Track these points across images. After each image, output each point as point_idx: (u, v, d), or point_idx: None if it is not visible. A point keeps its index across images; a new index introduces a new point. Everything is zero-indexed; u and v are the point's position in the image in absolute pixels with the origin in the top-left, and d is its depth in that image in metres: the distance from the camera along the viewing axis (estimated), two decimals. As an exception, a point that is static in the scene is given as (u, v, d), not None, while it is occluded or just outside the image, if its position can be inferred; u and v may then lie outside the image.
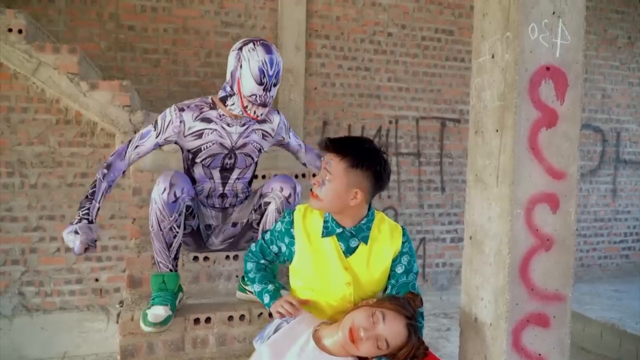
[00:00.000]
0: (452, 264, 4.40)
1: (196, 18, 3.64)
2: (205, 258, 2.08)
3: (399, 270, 1.46)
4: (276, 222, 1.60)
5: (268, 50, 1.67)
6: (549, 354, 1.43)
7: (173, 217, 1.68)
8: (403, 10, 4.14)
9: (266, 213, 1.86)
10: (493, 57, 1.45)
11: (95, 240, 1.64)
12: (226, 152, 1.85)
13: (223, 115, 1.80)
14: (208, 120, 1.79)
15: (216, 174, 1.89)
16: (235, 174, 1.93)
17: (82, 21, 3.41)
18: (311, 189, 1.42)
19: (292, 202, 1.83)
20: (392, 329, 1.25)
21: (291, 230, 1.48)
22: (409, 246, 1.50)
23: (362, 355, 1.26)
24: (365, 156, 1.36)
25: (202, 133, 1.79)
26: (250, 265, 1.62)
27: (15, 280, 3.25)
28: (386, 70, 4.14)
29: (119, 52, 3.50)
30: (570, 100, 1.40)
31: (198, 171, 1.88)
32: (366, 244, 1.44)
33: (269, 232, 1.58)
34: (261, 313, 1.88)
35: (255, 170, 2.02)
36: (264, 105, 1.72)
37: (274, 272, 1.70)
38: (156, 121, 1.79)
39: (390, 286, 1.46)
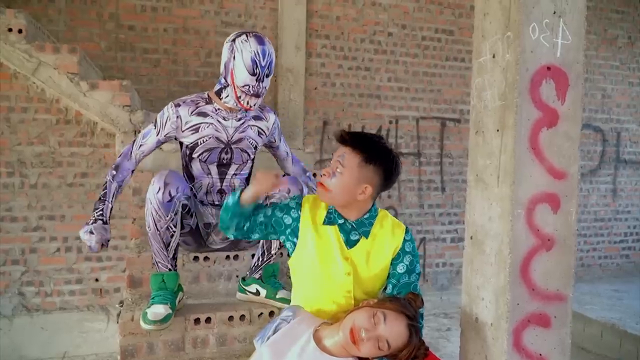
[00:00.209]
0: (452, 263, 4.40)
1: (196, 18, 3.64)
2: (206, 258, 2.08)
3: (401, 270, 1.46)
4: None
5: (260, 42, 1.73)
6: (550, 354, 1.43)
7: (169, 216, 1.69)
8: (403, 10, 4.14)
9: None
10: (494, 57, 1.45)
11: (109, 240, 1.72)
12: (222, 146, 1.87)
13: (219, 109, 1.84)
14: (204, 115, 1.82)
15: (213, 169, 1.90)
16: (232, 170, 1.94)
17: (82, 21, 3.40)
18: (319, 182, 1.42)
19: None
20: (393, 329, 1.24)
21: (299, 210, 1.48)
22: (412, 246, 1.49)
23: (363, 356, 1.25)
24: (379, 153, 1.38)
25: (199, 127, 1.82)
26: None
27: (15, 280, 3.25)
28: (386, 70, 4.14)
29: (119, 52, 3.49)
30: (571, 100, 1.40)
31: (196, 167, 1.89)
32: (367, 238, 1.44)
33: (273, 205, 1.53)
34: (261, 313, 1.88)
35: (252, 167, 2.02)
36: (257, 95, 1.77)
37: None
38: (155, 119, 1.83)
39: (391, 286, 1.46)
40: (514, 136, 1.36)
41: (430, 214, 4.34)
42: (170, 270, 1.75)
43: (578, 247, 4.66)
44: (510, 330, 1.39)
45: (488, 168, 1.48)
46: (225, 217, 1.47)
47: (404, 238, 1.47)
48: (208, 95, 1.86)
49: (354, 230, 1.45)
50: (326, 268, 1.43)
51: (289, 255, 1.52)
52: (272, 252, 1.89)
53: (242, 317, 1.85)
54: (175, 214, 1.72)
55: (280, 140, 2.07)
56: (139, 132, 2.29)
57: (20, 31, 2.62)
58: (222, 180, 1.93)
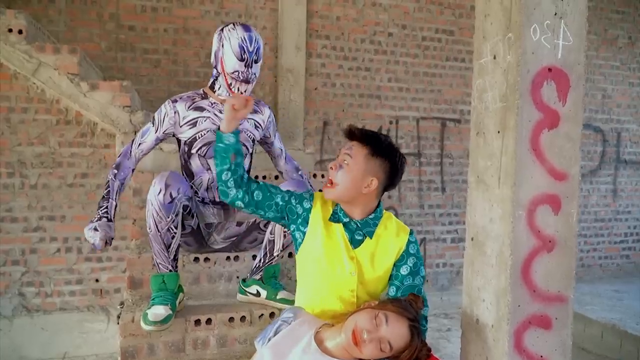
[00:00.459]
0: (452, 264, 4.40)
1: (196, 18, 3.63)
2: (206, 259, 2.07)
3: (404, 271, 1.45)
4: None
5: (247, 29, 1.80)
6: (551, 355, 1.43)
7: (170, 217, 1.69)
8: (403, 11, 4.14)
9: None
10: (495, 58, 1.45)
11: (112, 238, 1.72)
12: None
13: (214, 103, 1.89)
14: (201, 109, 1.86)
15: (213, 164, 1.90)
16: None
17: (82, 21, 3.40)
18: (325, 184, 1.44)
19: None
20: (395, 331, 1.24)
21: (311, 202, 1.50)
22: (416, 248, 1.49)
23: (365, 358, 1.25)
24: (386, 148, 1.42)
25: (196, 121, 1.85)
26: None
27: (16, 281, 3.25)
28: (386, 71, 4.14)
29: (119, 53, 3.49)
30: (572, 101, 1.40)
31: (195, 163, 1.90)
32: (371, 238, 1.44)
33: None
34: (262, 314, 1.88)
35: (250, 163, 2.03)
36: (247, 81, 1.82)
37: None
38: (153, 117, 1.86)
39: (395, 288, 1.45)
40: (515, 137, 1.36)
41: (431, 214, 4.34)
42: (170, 271, 1.75)
43: (578, 248, 4.66)
44: (511, 331, 1.38)
45: (489, 169, 1.47)
46: (218, 164, 1.44)
47: (409, 240, 1.47)
48: (203, 91, 1.93)
49: (358, 230, 1.45)
50: (332, 265, 1.43)
51: (295, 250, 1.52)
52: (275, 254, 1.88)
53: (243, 318, 1.85)
54: (176, 215, 1.71)
55: (274, 136, 2.09)
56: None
57: (20, 32, 2.61)
58: None
